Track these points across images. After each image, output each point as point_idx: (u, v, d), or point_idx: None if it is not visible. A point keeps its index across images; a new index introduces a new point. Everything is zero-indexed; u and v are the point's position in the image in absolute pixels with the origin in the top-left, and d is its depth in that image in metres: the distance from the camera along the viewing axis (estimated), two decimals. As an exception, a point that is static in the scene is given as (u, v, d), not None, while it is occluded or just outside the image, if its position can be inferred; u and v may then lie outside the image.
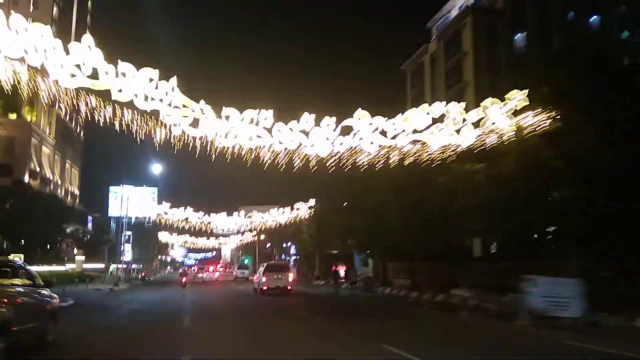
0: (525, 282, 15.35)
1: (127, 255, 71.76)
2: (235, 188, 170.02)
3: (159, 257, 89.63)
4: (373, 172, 18.09)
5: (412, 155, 15.54)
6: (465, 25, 43.79)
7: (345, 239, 33.97)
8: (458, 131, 15.61)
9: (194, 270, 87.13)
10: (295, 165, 15.03)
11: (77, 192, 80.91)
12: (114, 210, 58.46)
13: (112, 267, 52.51)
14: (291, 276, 32.76)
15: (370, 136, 15.01)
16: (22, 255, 24.77)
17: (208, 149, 14.09)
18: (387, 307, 23.40)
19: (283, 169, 15.12)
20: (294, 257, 63.41)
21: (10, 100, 58.68)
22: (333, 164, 15.26)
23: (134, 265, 72.64)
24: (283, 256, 68.15)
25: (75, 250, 54.25)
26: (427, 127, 15.35)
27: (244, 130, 14.25)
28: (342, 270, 44.67)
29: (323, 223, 40.37)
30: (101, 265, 59.22)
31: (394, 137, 15.23)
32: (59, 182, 70.77)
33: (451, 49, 45.15)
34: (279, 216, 42.73)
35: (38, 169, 61.96)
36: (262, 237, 69.37)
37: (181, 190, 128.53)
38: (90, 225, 69.80)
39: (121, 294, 31.08)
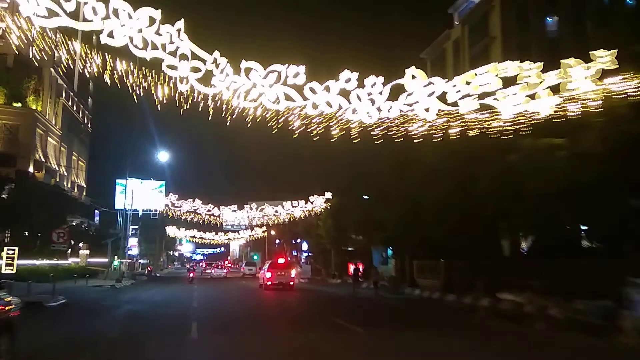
0: (632, 287, 11.79)
1: (134, 250, 68.89)
2: (246, 178, 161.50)
3: (167, 251, 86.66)
4: (423, 146, 14.71)
5: (476, 126, 12.19)
6: (492, 8, 40.45)
7: (367, 234, 30.41)
8: (532, 97, 12.27)
9: (202, 266, 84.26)
10: (333, 133, 11.73)
11: (84, 185, 78.24)
12: (120, 204, 55.37)
13: (117, 262, 49.59)
14: (293, 273, 33.75)
15: (426, 100, 11.71)
16: (16, 249, 21.85)
17: (223, 110, 10.81)
18: (432, 315, 19.40)
19: (315, 138, 11.79)
20: (305, 254, 60.11)
21: (14, 88, 56.16)
22: (380, 133, 11.93)
23: (140, 260, 69.72)
24: (294, 253, 64.93)
25: (72, 242, 51.54)
26: (496, 91, 12.01)
27: (269, 89, 10.99)
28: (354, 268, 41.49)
29: (341, 217, 37.12)
30: (107, 260, 56.43)
31: (454, 103, 11.91)
32: (65, 174, 68.01)
33: (477, 33, 41.83)
34: (292, 209, 39.44)
35: (43, 160, 59.23)
36: (272, 232, 66.33)
37: (190, 182, 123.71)
38: (97, 219, 67.06)
39: (123, 292, 27.94)
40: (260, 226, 65.16)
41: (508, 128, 12.24)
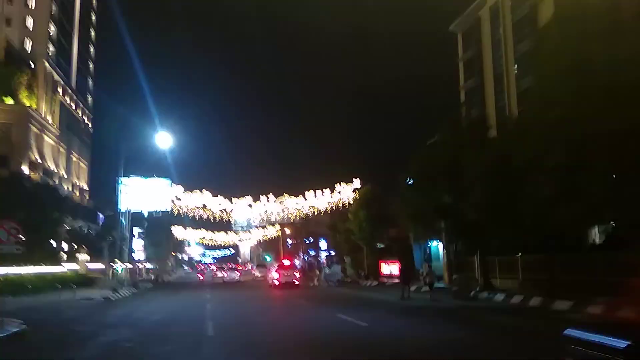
0: None
1: (139, 254, 62.38)
2: (261, 168, 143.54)
3: (174, 255, 79.84)
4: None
5: None
6: (540, -40, 33.74)
7: (426, 223, 23.17)
8: None
9: (212, 269, 77.57)
10: None
11: (86, 187, 71.85)
12: (125, 205, 48.25)
13: (120, 267, 43.03)
14: (297, 274, 35.90)
15: None
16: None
17: None
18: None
19: None
20: (325, 253, 52.97)
21: (5, 83, 49.89)
22: None
23: (147, 265, 63.11)
24: (311, 252, 58.12)
25: (75, 247, 45.14)
26: None
27: None
28: (391, 268, 34.59)
29: (377, 207, 30.54)
30: (116, 265, 50.10)
31: None
32: (65, 176, 61.65)
33: (521, -6, 35.15)
34: (316, 201, 32.48)
35: (39, 161, 52.92)
36: (287, 231, 59.67)
37: (198, 173, 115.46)
38: (101, 223, 60.66)
39: (116, 306, 21.31)
40: (273, 224, 58.59)
41: None
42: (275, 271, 35.76)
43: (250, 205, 32.76)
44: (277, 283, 33.71)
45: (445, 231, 21.45)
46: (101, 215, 62.70)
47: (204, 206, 32.49)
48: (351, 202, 32.90)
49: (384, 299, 23.67)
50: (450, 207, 19.08)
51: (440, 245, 30.27)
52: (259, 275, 51.69)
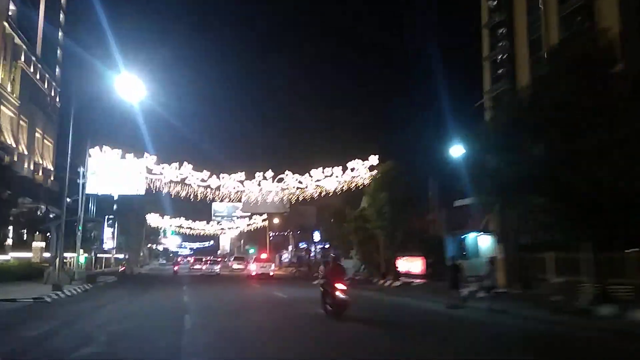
0: None
1: (109, 243, 53.90)
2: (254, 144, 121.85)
3: (149, 245, 71.04)
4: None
5: None
6: None
7: (507, 199, 15.44)
8: None
9: (189, 261, 69.70)
10: None
11: (51, 168, 62.68)
12: (91, 187, 39.28)
13: (84, 257, 35.03)
14: (273, 266, 40.04)
15: None
16: None
17: None
18: None
19: None
20: (319, 245, 45.39)
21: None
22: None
23: (117, 255, 54.76)
24: (302, 245, 50.51)
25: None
26: None
27: None
28: (411, 265, 27.48)
29: (398, 189, 23.45)
30: (73, 254, 42.03)
31: None
32: (26, 153, 52.61)
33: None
34: (323, 180, 24.93)
35: (-8, 133, 44.19)
36: (277, 221, 52.06)
37: (179, 144, 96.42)
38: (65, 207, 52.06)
39: (42, 316, 13.50)
40: (261, 214, 51.08)
41: None
42: (253, 263, 39.79)
43: (241, 182, 25.07)
44: (253, 274, 37.02)
45: (544, 211, 14.30)
46: (68, 199, 54.13)
47: (183, 181, 24.72)
48: (366, 183, 25.65)
49: (427, 309, 16.80)
50: (563, 174, 12.01)
51: (484, 237, 23.35)
52: (236, 268, 49.87)
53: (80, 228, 26.88)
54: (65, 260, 31.01)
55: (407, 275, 27.02)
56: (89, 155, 27.16)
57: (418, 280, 25.22)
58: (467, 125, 23.57)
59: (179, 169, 24.46)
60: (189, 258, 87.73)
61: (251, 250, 63.47)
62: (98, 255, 46.70)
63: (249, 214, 59.88)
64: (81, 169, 28.25)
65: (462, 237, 24.42)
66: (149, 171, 25.43)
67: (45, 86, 60.54)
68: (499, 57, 34.31)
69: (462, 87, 40.30)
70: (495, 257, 18.74)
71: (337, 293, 12.60)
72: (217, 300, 19.66)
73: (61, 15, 64.13)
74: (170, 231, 73.05)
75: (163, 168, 25.03)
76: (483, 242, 24.21)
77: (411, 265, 27.36)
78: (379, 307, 17.76)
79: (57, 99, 64.87)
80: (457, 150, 19.39)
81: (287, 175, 25.15)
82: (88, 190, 34.18)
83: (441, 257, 24.57)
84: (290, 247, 50.69)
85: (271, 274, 37.34)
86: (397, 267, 26.37)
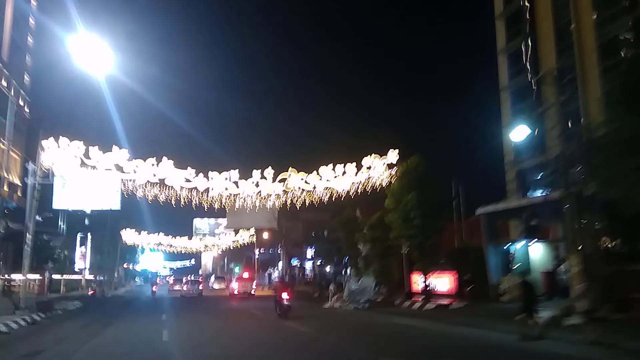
0: None
1: (80, 263, 47.53)
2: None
3: (125, 265, 64.22)
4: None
5: None
6: None
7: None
8: None
9: (168, 281, 63.23)
10: None
11: (18, 183, 55.94)
12: (60, 202, 32.83)
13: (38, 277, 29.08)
14: (254, 284, 39.48)
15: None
16: None
17: None
18: None
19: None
20: (310, 261, 40.14)
21: None
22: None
23: (88, 277, 48.33)
24: (294, 261, 45.20)
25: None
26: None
27: None
28: (436, 281, 22.46)
29: (429, 190, 18.57)
30: (38, 276, 35.85)
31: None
32: (-13, 165, 46.23)
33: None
34: (331, 180, 19.73)
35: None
36: (266, 236, 46.58)
37: (162, 138, 77.50)
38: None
39: None
40: (248, 229, 45.73)
41: None
42: (235, 281, 39.46)
43: (235, 183, 19.70)
44: (236, 293, 36.62)
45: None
46: (38, 217, 47.70)
47: (162, 182, 19.31)
48: (384, 184, 20.61)
49: (495, 342, 12.15)
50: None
51: (537, 246, 18.56)
52: (218, 288, 47.35)
53: (28, 242, 21.10)
54: (12, 284, 25.02)
55: (437, 294, 21.84)
56: (42, 149, 21.50)
57: (451, 301, 20.14)
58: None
59: (157, 165, 19.12)
60: (168, 278, 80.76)
61: (237, 269, 57.67)
62: (65, 276, 40.37)
63: (233, 229, 54.35)
64: (30, 165, 22.60)
65: (507, 247, 19.65)
66: (119, 168, 19.98)
67: (12, 94, 54.24)
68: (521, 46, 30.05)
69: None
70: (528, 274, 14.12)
71: (284, 301, 17.45)
72: (212, 338, 14.29)
73: (30, 20, 58.27)
74: (148, 248, 66.56)
75: (137, 166, 19.66)
76: (535, 253, 19.47)
77: (436, 282, 22.30)
78: (431, 342, 12.64)
79: (26, 109, 58.50)
80: (520, 133, 14.80)
81: (290, 176, 19.89)
82: (57, 206, 28.19)
83: (482, 272, 19.66)
84: (280, 264, 45.35)
85: (253, 292, 37.17)
86: (429, 286, 21.18)
